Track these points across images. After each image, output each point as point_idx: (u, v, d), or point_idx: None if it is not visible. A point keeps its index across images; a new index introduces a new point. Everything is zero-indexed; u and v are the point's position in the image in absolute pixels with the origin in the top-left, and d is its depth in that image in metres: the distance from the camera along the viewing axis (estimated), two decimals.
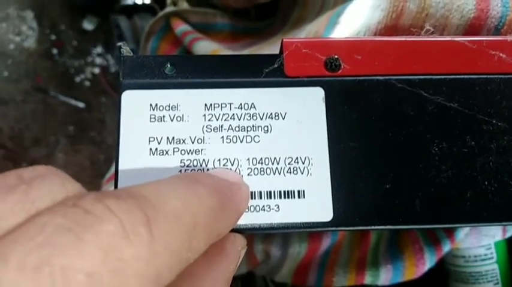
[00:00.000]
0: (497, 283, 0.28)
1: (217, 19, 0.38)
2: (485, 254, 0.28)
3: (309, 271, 0.28)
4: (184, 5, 0.39)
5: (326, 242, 0.28)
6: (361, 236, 0.29)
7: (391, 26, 0.21)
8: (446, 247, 0.26)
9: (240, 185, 0.14)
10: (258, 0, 0.35)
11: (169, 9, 0.38)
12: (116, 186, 0.14)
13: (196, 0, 0.40)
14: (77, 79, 1.06)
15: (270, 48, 0.33)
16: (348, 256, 0.28)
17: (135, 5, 0.95)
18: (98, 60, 1.08)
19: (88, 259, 0.08)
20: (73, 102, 1.04)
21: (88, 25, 1.09)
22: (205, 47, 0.34)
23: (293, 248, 0.28)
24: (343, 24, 0.22)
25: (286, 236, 0.28)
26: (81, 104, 1.04)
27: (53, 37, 1.09)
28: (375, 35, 0.20)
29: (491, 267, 0.28)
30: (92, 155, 1.03)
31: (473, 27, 0.20)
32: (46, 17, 1.10)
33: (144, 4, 0.95)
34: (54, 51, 1.08)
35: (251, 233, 0.15)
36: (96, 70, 1.07)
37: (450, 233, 0.26)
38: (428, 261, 0.26)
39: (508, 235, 0.27)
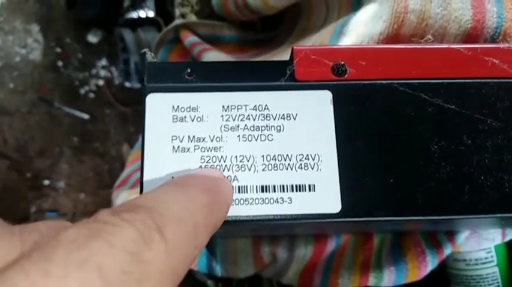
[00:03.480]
0: (498, 286, 0.28)
1: (224, 31, 0.39)
2: (486, 258, 0.28)
3: (315, 273, 0.28)
4: (193, 18, 0.40)
5: (331, 245, 0.28)
6: (365, 239, 0.29)
7: (392, 36, 0.21)
8: (447, 250, 0.26)
9: (223, 179, 0.16)
10: (263, 13, 0.36)
11: (178, 21, 0.38)
12: (141, 180, 0.16)
13: (204, 13, 0.41)
14: (82, 91, 1.07)
15: (276, 58, 0.34)
16: (353, 258, 0.28)
17: (139, 18, 0.97)
18: (103, 73, 1.09)
19: (120, 260, 0.10)
20: (77, 113, 1.05)
21: (93, 38, 1.10)
22: (214, 57, 0.34)
23: (299, 250, 0.28)
24: (347, 34, 0.23)
25: (292, 238, 0.28)
26: (85, 116, 1.05)
27: (58, 50, 1.10)
28: (378, 44, 0.21)
29: (492, 270, 0.28)
30: (95, 166, 1.03)
31: (470, 36, 0.21)
32: (51, 30, 1.11)
33: (148, 17, 0.97)
34: (59, 63, 1.09)
35: (267, 223, 0.16)
36: (101, 82, 1.08)
37: (451, 237, 0.26)
38: (430, 263, 0.26)
39: (507, 239, 0.27)
